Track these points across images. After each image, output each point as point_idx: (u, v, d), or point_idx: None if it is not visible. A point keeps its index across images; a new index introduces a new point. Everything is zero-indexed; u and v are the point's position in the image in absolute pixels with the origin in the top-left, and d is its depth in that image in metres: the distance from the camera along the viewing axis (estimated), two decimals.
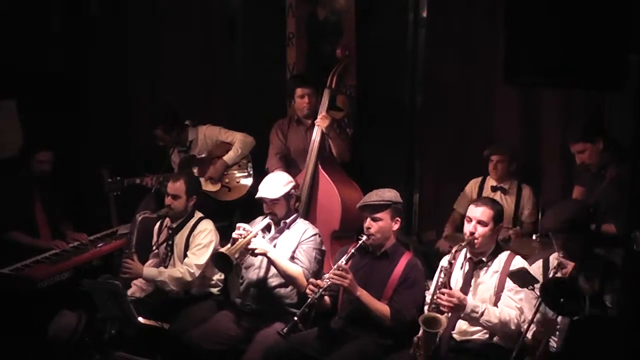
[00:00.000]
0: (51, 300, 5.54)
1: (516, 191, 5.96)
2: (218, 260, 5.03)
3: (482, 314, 4.42)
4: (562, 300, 4.05)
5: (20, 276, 5.68)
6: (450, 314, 4.52)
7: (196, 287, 5.54)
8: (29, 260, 5.86)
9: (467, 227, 4.64)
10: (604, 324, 4.15)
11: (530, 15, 3.51)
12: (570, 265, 4.31)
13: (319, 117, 6.06)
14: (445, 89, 6.33)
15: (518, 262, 4.61)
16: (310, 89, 6.20)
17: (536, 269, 4.53)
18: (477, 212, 4.63)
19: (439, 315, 4.40)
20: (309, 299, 4.68)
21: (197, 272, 5.45)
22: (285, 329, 4.64)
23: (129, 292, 5.50)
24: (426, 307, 4.57)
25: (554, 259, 4.46)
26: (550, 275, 4.35)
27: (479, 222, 4.60)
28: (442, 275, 4.53)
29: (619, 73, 3.28)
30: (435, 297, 4.45)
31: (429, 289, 4.84)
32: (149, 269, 5.48)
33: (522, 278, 4.32)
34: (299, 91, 6.23)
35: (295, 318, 4.66)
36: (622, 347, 3.77)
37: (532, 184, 5.98)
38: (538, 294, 4.22)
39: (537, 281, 4.27)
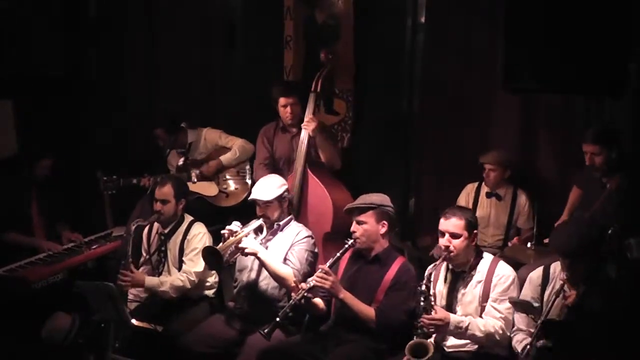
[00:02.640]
0: (45, 302, 5.53)
1: (511, 198, 5.93)
2: (208, 255, 4.99)
3: (467, 328, 4.41)
4: (560, 334, 4.04)
5: (14, 277, 5.67)
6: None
7: (193, 290, 5.53)
8: (23, 262, 5.86)
9: (442, 241, 4.57)
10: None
11: (530, 23, 3.52)
12: (573, 293, 4.21)
13: (305, 120, 6.01)
14: (443, 93, 6.32)
15: (502, 270, 4.56)
16: (293, 98, 6.11)
17: (535, 277, 4.48)
18: (448, 225, 4.55)
19: (425, 340, 4.37)
20: (292, 301, 4.70)
21: (197, 279, 5.46)
22: (267, 329, 4.65)
23: (131, 296, 5.51)
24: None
25: (555, 271, 4.38)
26: (553, 297, 4.25)
27: (452, 234, 4.53)
28: (422, 299, 4.46)
29: (619, 80, 3.30)
30: (418, 322, 4.43)
31: None
32: (150, 279, 5.43)
33: (523, 307, 4.29)
34: (281, 100, 6.16)
35: (277, 319, 4.67)
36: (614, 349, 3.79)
37: (530, 189, 5.96)
38: (537, 322, 4.17)
39: (538, 313, 4.21)
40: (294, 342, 4.96)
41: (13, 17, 7.00)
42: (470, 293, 4.57)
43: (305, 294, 4.70)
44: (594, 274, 4.26)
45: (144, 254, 5.67)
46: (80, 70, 7.54)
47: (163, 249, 5.61)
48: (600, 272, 4.31)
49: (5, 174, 6.41)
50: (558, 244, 4.31)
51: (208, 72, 7.43)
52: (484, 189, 6.00)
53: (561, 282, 4.25)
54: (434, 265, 4.60)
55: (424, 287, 4.49)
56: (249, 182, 6.58)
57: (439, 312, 4.42)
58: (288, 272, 5.03)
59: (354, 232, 4.86)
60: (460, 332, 4.42)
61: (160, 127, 6.59)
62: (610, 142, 5.12)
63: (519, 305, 4.33)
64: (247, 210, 5.77)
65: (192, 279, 5.43)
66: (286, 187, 5.37)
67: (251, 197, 5.28)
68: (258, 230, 5.28)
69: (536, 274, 4.50)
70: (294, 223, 5.36)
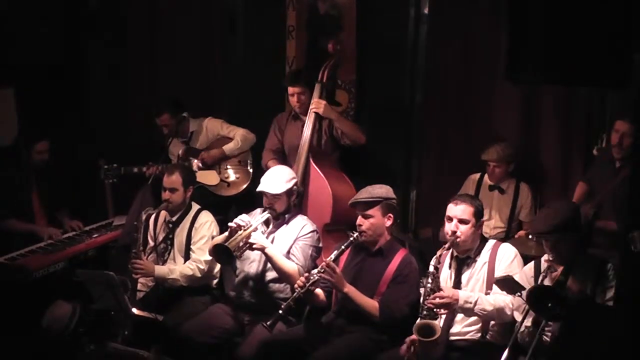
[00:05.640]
0: (46, 290, 5.53)
1: (514, 190, 5.93)
2: (218, 252, 5.01)
3: (476, 303, 4.43)
4: (549, 305, 4.05)
5: (15, 265, 5.67)
6: (444, 317, 4.55)
7: (202, 279, 5.56)
8: (24, 250, 5.87)
9: (449, 227, 4.62)
10: (597, 321, 4.14)
11: (533, 14, 3.51)
12: (560, 269, 4.29)
13: (312, 104, 6.04)
14: (446, 85, 6.31)
15: (505, 249, 4.63)
16: (301, 87, 6.14)
17: (527, 270, 4.53)
18: (457, 210, 4.61)
19: (432, 322, 4.39)
20: (295, 293, 4.71)
21: (207, 268, 5.48)
22: (270, 321, 4.65)
23: (139, 285, 5.53)
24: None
25: (544, 260, 4.44)
26: (540, 278, 4.34)
27: (460, 220, 4.59)
28: (430, 280, 4.50)
29: (623, 71, 3.28)
30: (425, 304, 4.44)
31: (423, 286, 4.84)
32: (160, 268, 5.46)
33: (508, 285, 4.31)
34: (290, 89, 6.20)
35: (280, 311, 4.67)
36: (616, 342, 3.78)
37: (531, 181, 5.95)
38: (525, 299, 4.21)
39: (523, 288, 4.25)
40: (295, 333, 4.97)
41: (13, 6, 7.00)
42: (475, 277, 4.62)
43: (309, 287, 4.70)
44: (579, 253, 4.33)
45: (150, 242, 5.68)
46: (80, 58, 7.53)
47: (170, 237, 5.63)
48: (585, 251, 4.40)
49: (6, 161, 6.41)
50: (536, 226, 4.44)
51: (209, 62, 7.42)
52: (487, 182, 6.00)
53: (547, 264, 4.34)
54: (443, 248, 4.63)
55: (432, 269, 4.53)
56: (251, 170, 6.58)
57: (446, 290, 4.45)
58: (293, 269, 5.04)
59: (360, 225, 4.84)
60: (470, 307, 4.43)
61: (165, 112, 6.57)
62: None
63: (502, 283, 4.34)
64: (248, 200, 5.77)
65: (202, 267, 5.46)
66: (295, 180, 5.37)
67: (259, 188, 5.25)
68: (264, 223, 5.28)
69: (528, 267, 4.57)
70: (299, 216, 5.35)
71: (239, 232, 4.99)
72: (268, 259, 5.07)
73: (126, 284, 5.26)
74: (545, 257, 4.45)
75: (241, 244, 4.98)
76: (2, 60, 6.79)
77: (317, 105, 6.03)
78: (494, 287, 4.50)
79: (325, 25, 6.71)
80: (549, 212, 4.43)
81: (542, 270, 4.43)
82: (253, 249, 5.04)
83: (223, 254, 4.97)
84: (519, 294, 4.25)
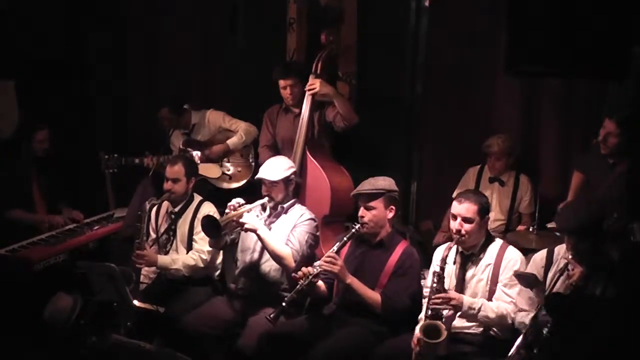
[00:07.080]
0: (47, 282, 5.54)
1: (514, 183, 5.94)
2: (207, 224, 5.04)
3: (479, 309, 4.44)
4: (564, 312, 4.04)
5: (16, 257, 5.69)
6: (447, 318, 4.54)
7: (204, 270, 5.56)
8: (25, 242, 5.87)
9: (453, 225, 4.59)
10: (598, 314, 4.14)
11: (534, 5, 3.51)
12: (577, 271, 4.22)
13: (307, 86, 6.02)
14: (446, 77, 6.31)
15: (511, 254, 4.59)
16: (292, 79, 6.13)
17: (539, 259, 4.50)
18: (462, 209, 4.56)
19: (438, 322, 4.40)
20: (298, 286, 4.70)
21: (209, 258, 5.49)
22: (273, 314, 4.66)
23: (142, 277, 5.56)
24: (423, 314, 4.58)
25: (559, 253, 4.40)
26: (555, 273, 4.30)
27: (464, 219, 4.54)
28: (436, 280, 4.50)
29: (622, 64, 3.29)
30: (431, 303, 4.45)
31: (424, 278, 4.86)
32: (163, 258, 5.48)
33: (529, 281, 4.29)
34: (281, 82, 6.18)
35: (283, 304, 4.68)
36: (615, 333, 3.80)
37: (531, 173, 5.96)
38: (539, 296, 4.19)
39: (543, 285, 4.23)
40: (296, 325, 4.98)
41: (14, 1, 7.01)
42: (479, 275, 4.60)
43: (312, 279, 4.71)
44: (598, 255, 4.26)
45: (152, 233, 5.69)
46: (80, 52, 7.53)
47: (173, 227, 5.64)
48: (604, 253, 4.31)
49: (7, 152, 6.42)
50: (564, 222, 4.34)
51: (209, 55, 7.41)
52: (487, 174, 6.00)
53: (565, 261, 4.27)
54: (447, 247, 4.63)
55: (438, 269, 4.52)
56: (253, 164, 6.58)
57: (451, 294, 4.46)
58: (287, 252, 5.06)
59: (362, 217, 4.85)
60: (473, 313, 4.45)
61: (165, 107, 6.58)
62: (630, 129, 5.04)
63: (522, 278, 4.33)
64: (249, 193, 5.77)
65: (205, 257, 5.47)
66: (293, 169, 5.39)
67: (258, 175, 5.30)
68: (262, 209, 5.31)
69: (540, 255, 4.52)
70: (297, 205, 5.37)
71: (232, 212, 5.03)
72: (260, 240, 5.09)
73: (130, 275, 5.28)
74: (558, 249, 4.41)
75: (234, 222, 5.01)
76: (3, 53, 6.78)
77: (313, 83, 6.00)
78: (498, 290, 4.51)
79: (326, 17, 6.70)
80: (576, 210, 4.35)
81: (554, 260, 4.41)
82: (245, 230, 5.07)
83: (212, 226, 4.99)
84: (535, 290, 4.25)
